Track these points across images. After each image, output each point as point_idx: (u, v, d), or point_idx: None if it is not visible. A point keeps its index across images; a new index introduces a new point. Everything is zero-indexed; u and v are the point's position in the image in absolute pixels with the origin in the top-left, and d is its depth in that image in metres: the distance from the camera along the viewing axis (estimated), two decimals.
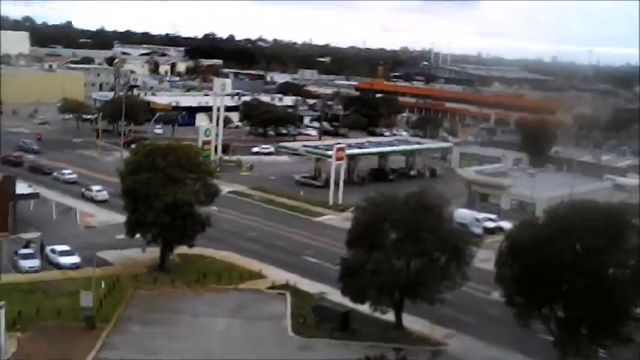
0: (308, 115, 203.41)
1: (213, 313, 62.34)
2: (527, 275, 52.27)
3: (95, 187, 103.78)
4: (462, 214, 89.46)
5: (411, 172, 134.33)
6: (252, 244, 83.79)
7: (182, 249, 74.12)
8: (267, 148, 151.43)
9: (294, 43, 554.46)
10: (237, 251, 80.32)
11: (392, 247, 59.07)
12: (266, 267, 75.23)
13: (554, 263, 50.11)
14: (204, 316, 61.70)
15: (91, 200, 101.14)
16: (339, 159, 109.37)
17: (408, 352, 54.30)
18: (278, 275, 72.92)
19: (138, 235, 73.24)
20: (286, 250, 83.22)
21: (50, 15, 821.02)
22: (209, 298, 65.83)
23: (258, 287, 69.74)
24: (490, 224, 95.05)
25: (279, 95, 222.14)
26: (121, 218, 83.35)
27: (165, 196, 68.63)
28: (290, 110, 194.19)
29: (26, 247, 74.39)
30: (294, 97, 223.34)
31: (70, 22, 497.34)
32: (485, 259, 64.71)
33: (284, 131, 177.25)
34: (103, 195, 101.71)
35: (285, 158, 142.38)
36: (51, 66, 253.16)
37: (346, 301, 61.36)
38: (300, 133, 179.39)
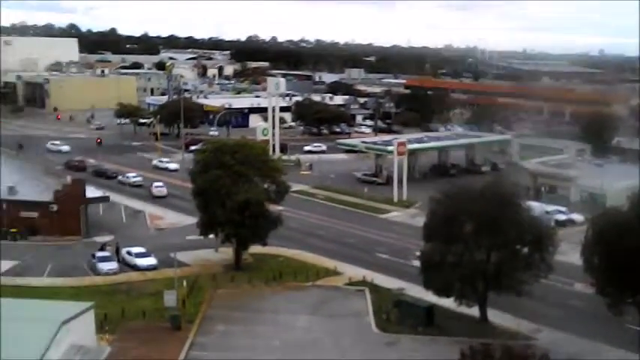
0: (360, 114, 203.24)
1: (295, 311, 61.90)
2: (616, 264, 51.00)
3: (156, 183, 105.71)
4: (531, 206, 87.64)
5: (483, 169, 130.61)
6: (323, 242, 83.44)
7: (253, 248, 74.04)
8: (319, 146, 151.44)
9: (337, 43, 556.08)
10: (308, 249, 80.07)
11: (471, 239, 58.21)
12: (340, 264, 74.63)
13: None
14: (285, 313, 61.31)
15: (150, 196, 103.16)
16: (400, 154, 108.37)
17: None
18: (353, 272, 72.37)
19: (211, 236, 73.50)
20: (357, 247, 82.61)
21: (94, 22, 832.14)
22: (288, 296, 65.51)
23: (336, 284, 69.26)
24: (561, 217, 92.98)
25: (330, 95, 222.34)
26: (189, 220, 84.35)
27: (237, 195, 68.42)
28: (342, 109, 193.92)
29: (102, 249, 74.92)
30: (344, 96, 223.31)
31: (114, 29, 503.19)
32: (562, 251, 63.13)
33: (337, 130, 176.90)
34: (161, 191, 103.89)
35: (342, 156, 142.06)
36: (103, 72, 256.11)
37: (425, 296, 60.69)
38: (355, 131, 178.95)
